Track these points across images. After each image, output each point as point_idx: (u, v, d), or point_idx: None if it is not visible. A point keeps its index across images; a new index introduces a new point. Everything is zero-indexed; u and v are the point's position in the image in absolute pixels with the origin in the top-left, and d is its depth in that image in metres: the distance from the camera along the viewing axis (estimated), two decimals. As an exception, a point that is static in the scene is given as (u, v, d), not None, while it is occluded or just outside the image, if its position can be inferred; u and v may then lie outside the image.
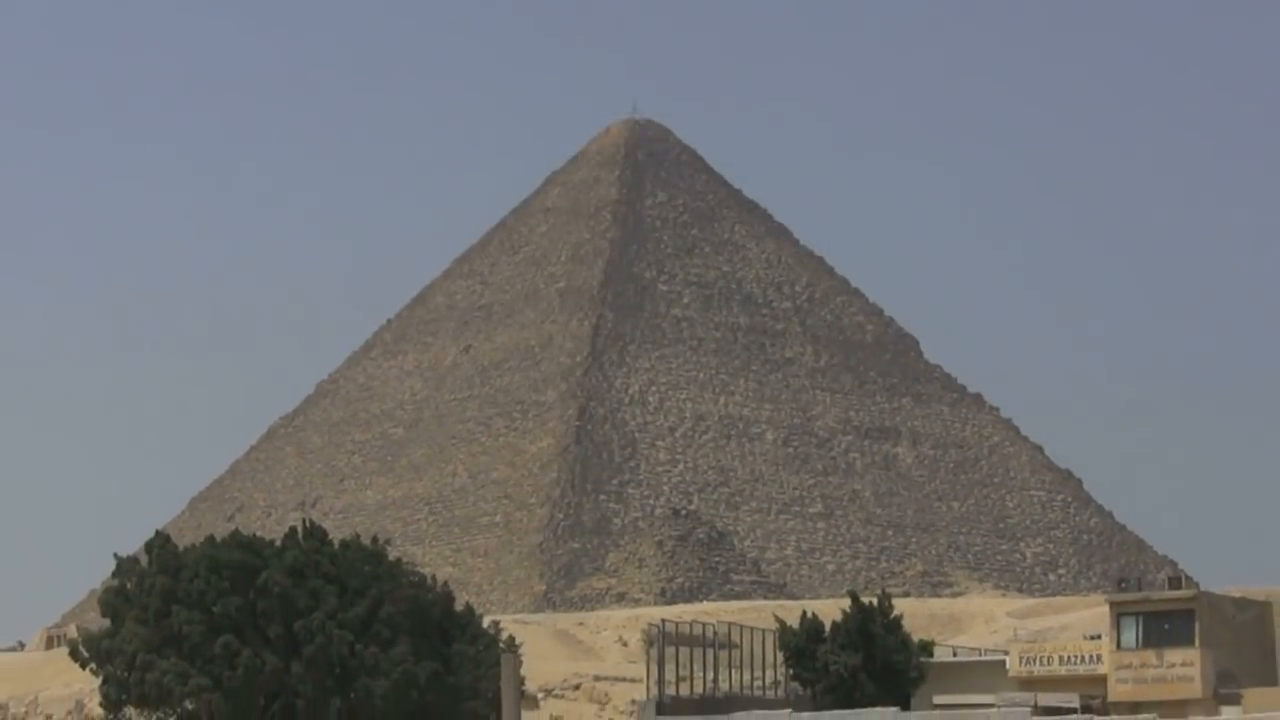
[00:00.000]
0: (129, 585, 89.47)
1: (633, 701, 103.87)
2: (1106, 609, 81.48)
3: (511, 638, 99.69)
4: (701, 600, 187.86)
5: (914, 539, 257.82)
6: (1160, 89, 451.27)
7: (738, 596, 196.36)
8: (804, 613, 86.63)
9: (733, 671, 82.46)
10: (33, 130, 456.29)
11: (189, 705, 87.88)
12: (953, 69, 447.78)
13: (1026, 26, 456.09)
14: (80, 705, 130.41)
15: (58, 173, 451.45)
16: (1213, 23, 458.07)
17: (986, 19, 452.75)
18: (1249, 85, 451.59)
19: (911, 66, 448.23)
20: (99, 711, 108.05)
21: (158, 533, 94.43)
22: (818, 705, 76.33)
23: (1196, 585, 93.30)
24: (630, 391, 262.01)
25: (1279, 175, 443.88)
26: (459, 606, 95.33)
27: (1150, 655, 75.44)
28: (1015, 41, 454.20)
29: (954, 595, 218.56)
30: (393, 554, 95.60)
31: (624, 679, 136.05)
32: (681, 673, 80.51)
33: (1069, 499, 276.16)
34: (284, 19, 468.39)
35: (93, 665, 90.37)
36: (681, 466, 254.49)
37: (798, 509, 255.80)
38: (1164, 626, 75.98)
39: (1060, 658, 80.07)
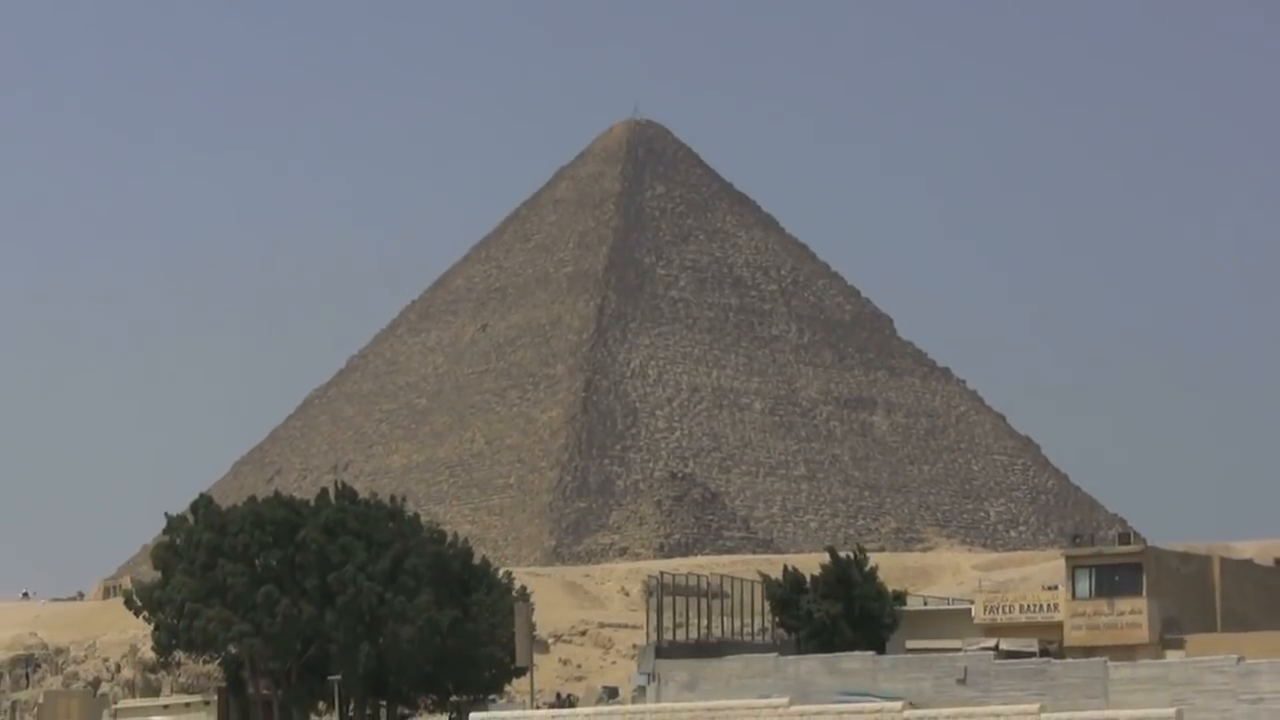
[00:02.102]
0: (178, 541, 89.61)
1: (634, 646, 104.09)
2: (1062, 562, 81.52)
3: (524, 588, 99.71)
4: (696, 554, 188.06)
5: (888, 499, 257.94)
6: (1117, 81, 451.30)
7: (729, 551, 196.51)
8: (787, 566, 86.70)
9: (724, 619, 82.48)
10: (105, 125, 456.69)
11: (232, 650, 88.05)
12: (922, 76, 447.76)
13: (994, 33, 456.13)
14: (134, 649, 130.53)
15: (123, 163, 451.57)
16: (1166, 16, 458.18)
17: (958, 28, 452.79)
18: (1199, 77, 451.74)
19: (886, 73, 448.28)
20: (151, 655, 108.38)
21: (201, 495, 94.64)
22: (801, 649, 76.37)
23: (1144, 541, 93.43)
24: (631, 366, 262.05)
25: (1224, 164, 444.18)
26: (477, 560, 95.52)
27: (1102, 604, 75.46)
28: (981, 47, 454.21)
29: (924, 550, 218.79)
30: (413, 512, 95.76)
31: (626, 625, 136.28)
32: (678, 620, 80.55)
33: (1028, 463, 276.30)
34: (331, 32, 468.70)
35: (145, 613, 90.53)
36: (678, 433, 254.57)
37: (783, 472, 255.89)
38: (1114, 578, 75.99)
39: (1021, 606, 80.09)
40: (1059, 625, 76.47)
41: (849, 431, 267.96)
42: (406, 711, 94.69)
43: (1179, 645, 71.51)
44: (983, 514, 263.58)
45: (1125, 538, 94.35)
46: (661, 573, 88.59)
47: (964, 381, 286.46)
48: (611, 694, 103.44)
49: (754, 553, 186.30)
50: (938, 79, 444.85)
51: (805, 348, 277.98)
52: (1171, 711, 51.09)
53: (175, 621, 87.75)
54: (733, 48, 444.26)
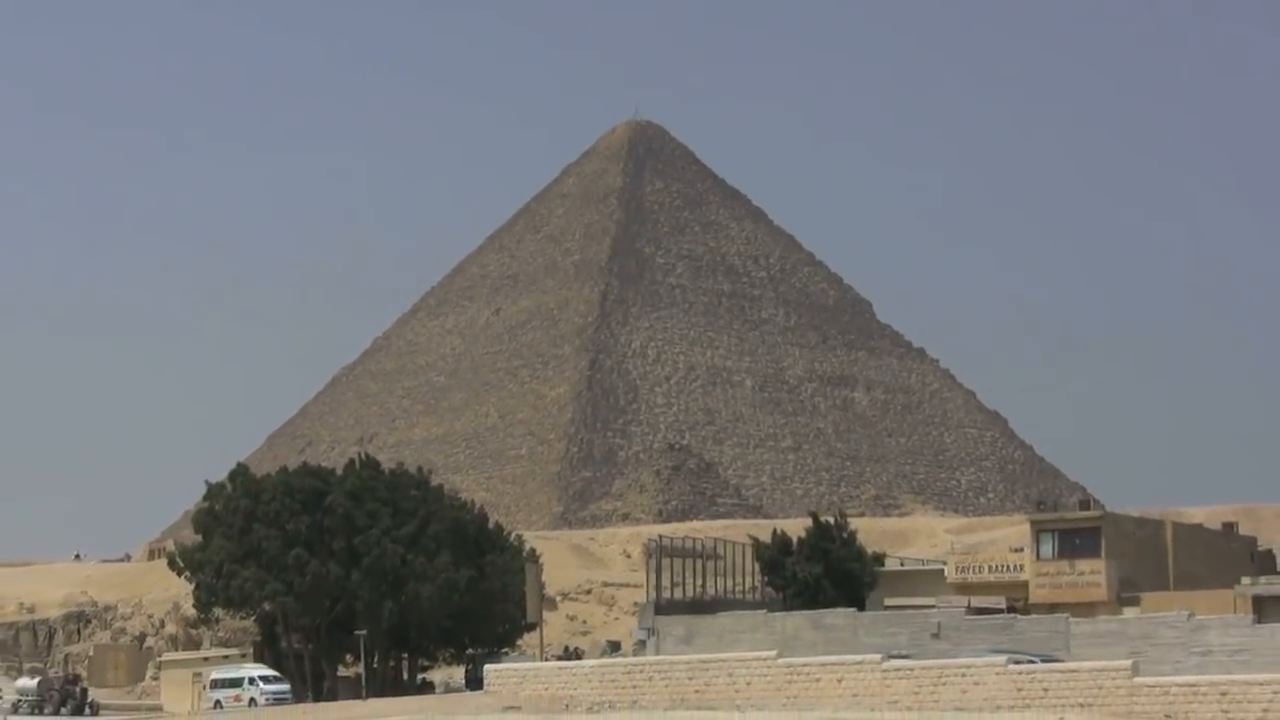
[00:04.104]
0: (217, 507, 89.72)
1: (635, 603, 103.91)
2: (1028, 526, 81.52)
3: (534, 550, 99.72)
4: (692, 520, 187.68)
5: (868, 468, 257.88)
6: (1082, 78, 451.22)
7: (722, 516, 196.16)
8: (776, 530, 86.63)
9: (718, 579, 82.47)
10: (160, 125, 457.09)
11: (266, 607, 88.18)
12: (900, 83, 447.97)
13: (966, 42, 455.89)
14: (177, 607, 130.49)
15: (172, 159, 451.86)
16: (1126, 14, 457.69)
17: (930, 40, 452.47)
18: (1163, 73, 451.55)
19: (867, 80, 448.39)
20: (192, 612, 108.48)
21: (239, 464, 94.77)
22: (788, 606, 76.40)
23: (1103, 507, 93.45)
24: (633, 346, 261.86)
25: (1181, 158, 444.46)
26: (491, 525, 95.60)
27: (1064, 565, 75.44)
28: (955, 56, 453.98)
29: (901, 515, 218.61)
30: (435, 481, 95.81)
31: (628, 585, 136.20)
32: (676, 579, 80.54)
33: (997, 435, 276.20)
34: (364, 42, 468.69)
35: (187, 573, 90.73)
36: (675, 408, 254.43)
37: (771, 444, 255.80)
38: (1075, 541, 75.97)
39: (990, 567, 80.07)
40: (1024, 584, 76.47)
41: (832, 407, 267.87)
42: (426, 663, 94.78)
43: (1135, 603, 71.57)
44: (955, 482, 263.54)
45: (1085, 504, 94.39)
46: (660, 536, 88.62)
47: (937, 361, 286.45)
48: (614, 647, 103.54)
49: (745, 518, 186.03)
50: (914, 86, 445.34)
51: (792, 330, 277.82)
52: (1128, 663, 51.12)
53: (214, 581, 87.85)
54: (725, 55, 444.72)
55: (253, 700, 79.35)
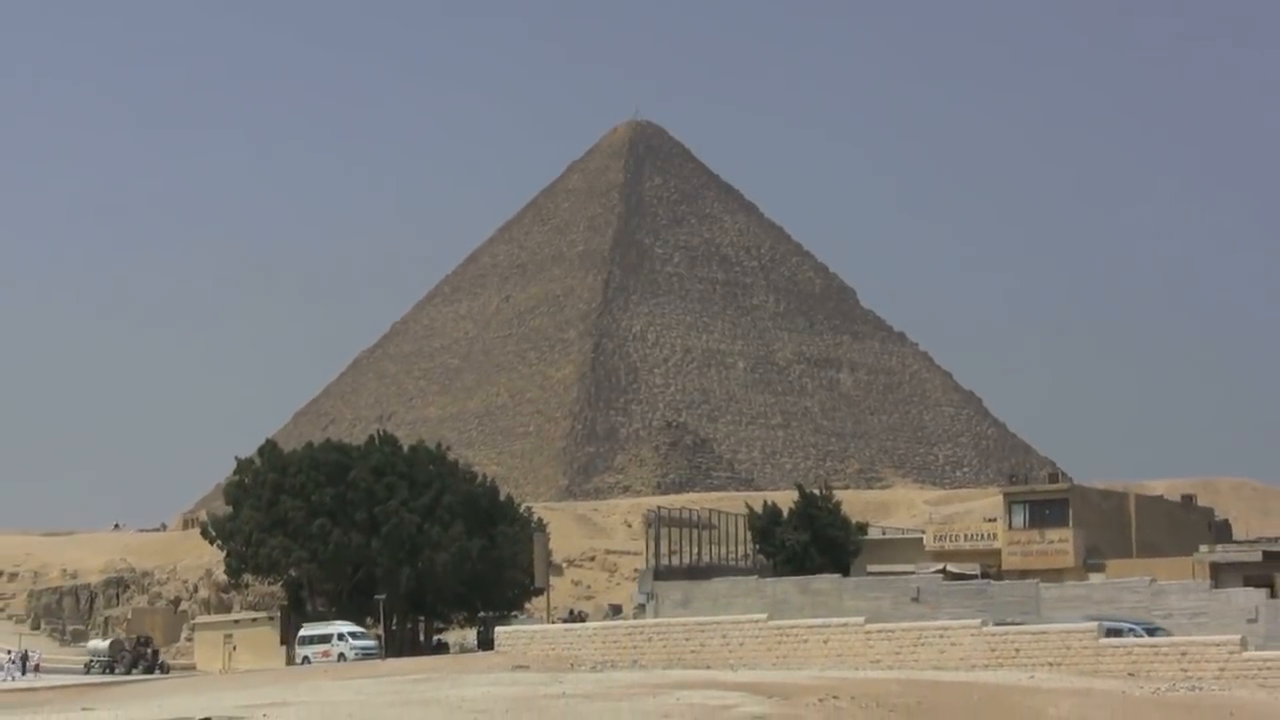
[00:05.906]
0: (247, 480, 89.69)
1: (635, 570, 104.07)
2: (1001, 498, 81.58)
3: (541, 520, 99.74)
4: (688, 492, 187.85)
5: (852, 444, 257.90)
6: (1059, 76, 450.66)
7: (717, 489, 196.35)
8: (766, 501, 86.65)
9: (713, 546, 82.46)
10: (199, 125, 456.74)
11: (292, 573, 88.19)
12: (883, 86, 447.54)
13: (947, 40, 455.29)
14: (209, 573, 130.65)
15: (209, 156, 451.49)
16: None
17: (914, 40, 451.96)
18: (1133, 71, 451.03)
19: (851, 83, 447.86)
20: (224, 578, 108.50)
21: (268, 440, 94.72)
22: (778, 572, 76.41)
23: (1070, 480, 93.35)
24: (633, 330, 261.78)
25: (1146, 147, 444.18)
26: (502, 497, 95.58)
27: (1034, 534, 75.49)
28: (932, 57, 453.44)
29: (883, 488, 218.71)
30: (449, 456, 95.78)
31: (629, 552, 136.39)
32: (673, 547, 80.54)
33: (972, 413, 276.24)
34: (383, 49, 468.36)
35: (219, 542, 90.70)
36: (673, 388, 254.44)
37: (762, 421, 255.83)
38: (1045, 512, 76.01)
39: (965, 535, 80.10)
40: (998, 552, 76.51)
41: (818, 387, 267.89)
42: (441, 626, 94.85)
43: (1100, 569, 71.60)
44: (933, 457, 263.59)
45: (1054, 477, 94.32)
46: (659, 507, 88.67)
47: (917, 344, 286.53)
48: (616, 611, 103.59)
49: (738, 490, 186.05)
50: (896, 91, 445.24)
51: (781, 315, 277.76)
52: (1094, 625, 51.14)
53: (244, 549, 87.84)
54: (720, 59, 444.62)
55: (342, 655, 76.03)
